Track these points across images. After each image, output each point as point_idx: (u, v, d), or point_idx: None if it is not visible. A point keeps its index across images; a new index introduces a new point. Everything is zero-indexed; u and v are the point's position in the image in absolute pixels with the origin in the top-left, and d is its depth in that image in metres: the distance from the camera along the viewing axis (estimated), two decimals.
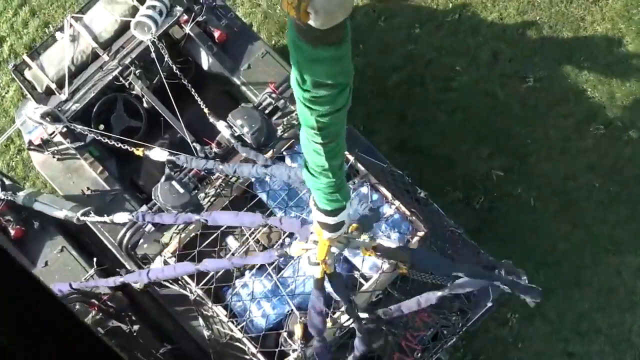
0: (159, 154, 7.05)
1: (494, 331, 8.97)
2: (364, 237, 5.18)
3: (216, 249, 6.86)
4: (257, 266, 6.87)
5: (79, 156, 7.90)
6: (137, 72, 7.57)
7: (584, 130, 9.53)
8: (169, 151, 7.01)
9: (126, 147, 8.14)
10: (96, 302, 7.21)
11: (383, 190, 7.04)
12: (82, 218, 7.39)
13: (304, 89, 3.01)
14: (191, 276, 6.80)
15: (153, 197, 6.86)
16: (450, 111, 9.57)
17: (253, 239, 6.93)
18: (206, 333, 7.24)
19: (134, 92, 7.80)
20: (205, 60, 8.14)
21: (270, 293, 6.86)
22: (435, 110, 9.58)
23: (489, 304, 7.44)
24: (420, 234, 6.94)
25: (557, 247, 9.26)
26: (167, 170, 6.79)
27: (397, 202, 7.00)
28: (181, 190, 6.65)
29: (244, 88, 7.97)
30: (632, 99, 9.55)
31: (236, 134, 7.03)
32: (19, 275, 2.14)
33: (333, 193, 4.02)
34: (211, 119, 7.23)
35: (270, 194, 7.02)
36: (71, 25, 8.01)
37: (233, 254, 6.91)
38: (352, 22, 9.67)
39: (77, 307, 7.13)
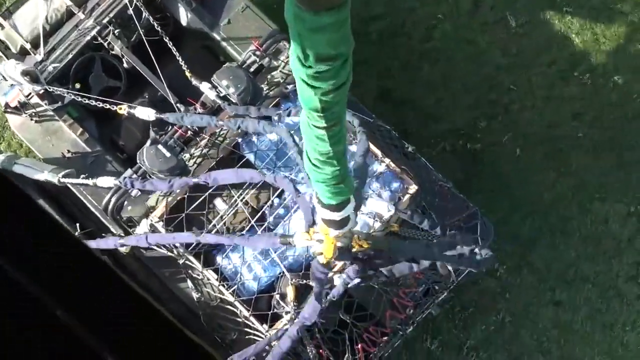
0: (145, 112, 6.87)
1: (481, 283, 8.96)
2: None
3: (204, 212, 6.74)
4: (246, 229, 6.76)
5: (57, 118, 7.70)
6: (116, 31, 7.33)
7: (568, 77, 9.43)
8: (155, 111, 6.85)
9: (106, 106, 7.99)
10: None
11: (373, 147, 6.92)
12: (63, 180, 7.23)
13: (306, 65, 2.95)
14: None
15: (138, 161, 6.70)
16: (433, 61, 9.41)
17: (242, 200, 6.81)
18: (195, 295, 7.16)
19: (112, 52, 7.56)
20: (184, 16, 7.91)
21: (261, 255, 6.76)
22: (418, 61, 9.42)
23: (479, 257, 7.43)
24: (412, 191, 6.85)
25: (544, 196, 9.22)
26: (152, 134, 6.61)
27: (387, 160, 6.90)
28: (167, 154, 6.49)
29: (224, 44, 7.78)
30: (617, 44, 9.44)
31: (221, 95, 6.85)
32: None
33: (338, 184, 3.96)
34: (194, 82, 7.05)
35: (258, 154, 6.88)
36: None
37: (221, 217, 6.79)
38: None
39: None
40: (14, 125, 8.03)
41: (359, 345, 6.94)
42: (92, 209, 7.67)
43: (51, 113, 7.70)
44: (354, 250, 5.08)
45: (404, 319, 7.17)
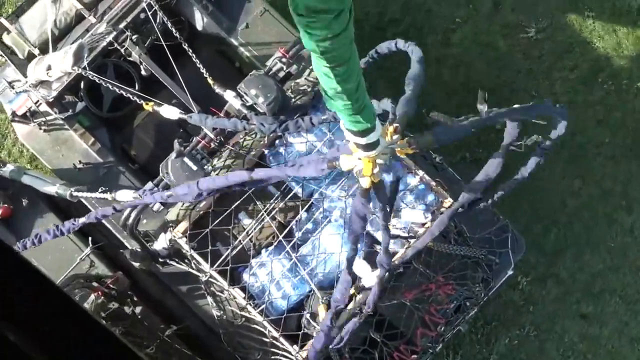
0: (170, 111, 6.53)
1: (505, 295, 8.68)
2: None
3: (230, 227, 6.41)
4: (274, 245, 6.44)
5: (67, 127, 7.35)
6: (134, 37, 6.97)
7: (590, 82, 9.16)
8: (180, 111, 6.51)
9: (118, 114, 7.66)
10: (99, 286, 6.72)
11: (406, 159, 6.63)
12: (76, 194, 6.90)
13: (297, 12, 2.88)
14: (204, 257, 6.34)
15: (161, 174, 6.34)
16: (452, 66, 9.13)
17: (269, 214, 6.49)
18: (216, 313, 6.84)
19: (129, 58, 7.20)
20: (200, 20, 7.58)
21: (289, 272, 6.44)
22: (437, 66, 9.13)
23: (510, 272, 7.20)
24: (447, 204, 6.55)
25: (567, 204, 8.95)
26: (177, 146, 6.26)
27: (421, 172, 6.60)
28: (194, 167, 6.14)
29: (242, 49, 7.46)
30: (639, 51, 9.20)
31: (248, 104, 6.50)
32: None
33: (353, 114, 3.82)
34: (217, 90, 6.71)
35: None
36: None
37: (247, 232, 6.46)
38: None
39: (79, 292, 6.63)
40: (21, 135, 7.68)
41: None
42: (106, 223, 7.35)
43: (60, 122, 7.36)
44: (401, 155, 4.94)
45: (434, 336, 6.90)
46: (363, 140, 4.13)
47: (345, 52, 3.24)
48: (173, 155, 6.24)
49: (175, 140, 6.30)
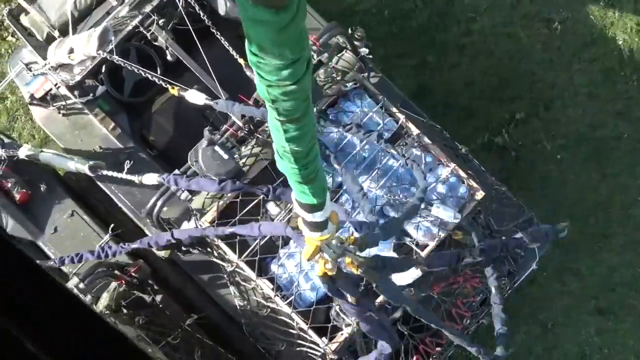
0: (196, 96, 6.38)
1: (522, 289, 8.61)
2: (364, 253, 4.64)
3: (258, 217, 6.28)
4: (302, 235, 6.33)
5: (87, 111, 7.19)
6: (160, 21, 6.81)
7: (611, 75, 9.08)
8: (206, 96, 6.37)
9: (140, 99, 7.52)
10: (121, 275, 6.61)
11: (437, 151, 6.52)
12: (103, 172, 6.75)
13: (250, 50, 2.65)
14: (232, 247, 6.22)
15: (189, 161, 6.21)
16: (472, 56, 9.03)
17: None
18: (239, 303, 6.73)
19: (155, 42, 7.04)
20: (222, 5, 7.43)
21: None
22: (457, 55, 9.04)
23: (535, 266, 7.13)
24: (478, 197, 6.46)
25: (586, 198, 8.88)
26: (207, 134, 6.13)
27: (452, 164, 6.50)
28: (225, 156, 6.00)
29: None
30: None
31: None
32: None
33: (300, 183, 3.56)
34: (248, 73, 6.57)
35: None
36: None
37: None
38: None
39: (101, 281, 6.52)
40: (39, 118, 7.55)
41: (414, 358, 6.59)
42: (125, 209, 7.22)
43: (80, 106, 7.20)
44: (344, 267, 4.66)
45: (460, 329, 6.82)
46: (309, 217, 3.92)
47: (298, 108, 3.01)
48: (203, 143, 6.10)
49: (206, 129, 6.17)
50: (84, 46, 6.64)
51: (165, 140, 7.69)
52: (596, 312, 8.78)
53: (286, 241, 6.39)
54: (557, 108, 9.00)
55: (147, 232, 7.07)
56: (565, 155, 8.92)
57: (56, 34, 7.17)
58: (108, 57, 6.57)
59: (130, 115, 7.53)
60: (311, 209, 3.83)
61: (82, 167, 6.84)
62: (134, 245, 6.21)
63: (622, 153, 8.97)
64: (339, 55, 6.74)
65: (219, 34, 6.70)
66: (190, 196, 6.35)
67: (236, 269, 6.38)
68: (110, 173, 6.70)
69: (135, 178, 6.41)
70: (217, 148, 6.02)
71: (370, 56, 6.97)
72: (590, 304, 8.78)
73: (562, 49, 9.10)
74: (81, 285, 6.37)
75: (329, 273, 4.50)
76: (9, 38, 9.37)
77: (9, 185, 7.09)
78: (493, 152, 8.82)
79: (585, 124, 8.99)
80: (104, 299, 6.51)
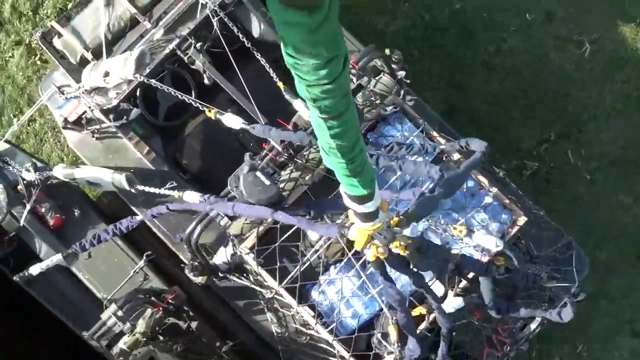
0: (233, 120, 6.31)
1: None
2: (407, 231, 4.70)
3: (298, 243, 6.21)
4: (343, 262, 6.25)
5: (121, 135, 7.14)
6: (197, 45, 6.75)
7: None
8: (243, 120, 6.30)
9: (175, 123, 7.49)
10: (160, 302, 6.54)
11: (478, 176, 6.46)
12: (140, 188, 6.69)
13: (286, 52, 2.65)
14: (272, 273, 6.15)
15: (230, 187, 6.12)
16: (502, 75, 8.98)
17: None
18: (276, 330, 6.66)
19: (192, 66, 6.98)
20: (257, 27, 7.39)
21: (360, 290, 6.25)
22: (487, 75, 8.99)
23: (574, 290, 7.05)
24: (521, 222, 6.39)
25: (617, 219, 8.81)
26: (247, 159, 6.05)
27: (494, 189, 6.43)
28: (267, 182, 5.90)
29: None
30: None
31: None
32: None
33: (349, 177, 3.60)
34: (287, 96, 6.51)
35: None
36: None
37: (317, 247, 6.26)
38: None
39: (140, 308, 6.44)
40: (72, 142, 7.50)
41: (485, 350, 6.56)
42: (159, 234, 7.17)
43: (113, 130, 7.15)
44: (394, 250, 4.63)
45: (500, 356, 6.74)
46: (360, 208, 3.95)
47: (338, 104, 3.04)
48: (244, 169, 6.02)
49: (247, 154, 6.10)
50: (121, 69, 6.59)
51: (198, 164, 7.64)
52: (630, 335, 8.69)
53: (326, 267, 6.33)
54: (589, 129, 8.94)
55: (181, 257, 7.00)
56: (596, 177, 8.85)
57: (90, 56, 7.12)
58: (145, 80, 6.51)
59: (164, 138, 7.48)
60: (361, 200, 3.86)
61: (120, 177, 6.80)
62: (140, 217, 6.09)
63: None
64: (376, 78, 6.66)
65: (259, 55, 6.64)
66: (229, 222, 6.27)
67: (275, 296, 6.31)
68: (147, 188, 6.65)
69: (175, 193, 6.34)
70: (258, 174, 5.93)
71: (407, 80, 6.91)
72: (625, 328, 8.69)
73: (594, 70, 9.05)
74: (119, 313, 6.29)
75: (381, 257, 4.54)
76: (37, 62, 9.36)
77: (43, 210, 7.03)
78: (524, 174, 8.75)
79: (618, 145, 8.92)
80: (140, 326, 6.43)
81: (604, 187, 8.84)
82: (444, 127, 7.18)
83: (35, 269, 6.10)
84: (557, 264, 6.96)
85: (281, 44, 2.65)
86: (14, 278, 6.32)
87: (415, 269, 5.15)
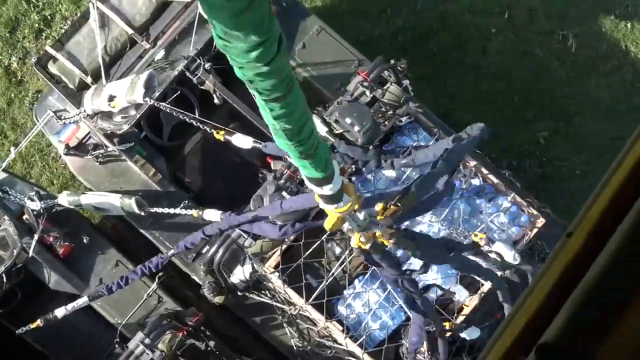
0: (243, 140, 6.28)
1: None
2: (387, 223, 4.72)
3: (322, 258, 6.23)
4: (368, 274, 6.27)
5: (124, 158, 7.05)
6: (206, 65, 6.67)
7: (629, 86, 9.16)
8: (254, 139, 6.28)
9: (178, 143, 7.43)
10: (183, 326, 6.49)
11: (495, 180, 6.52)
12: (153, 210, 6.64)
13: (216, 33, 2.71)
14: (299, 292, 6.14)
15: (252, 207, 6.10)
16: (491, 76, 9.06)
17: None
18: (296, 344, 6.66)
19: (201, 87, 6.91)
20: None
21: (386, 301, 6.28)
22: (476, 76, 9.05)
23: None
24: (539, 224, 6.46)
25: None
26: (270, 178, 6.03)
27: (512, 193, 6.49)
28: None
29: (299, 70, 7.22)
30: None
31: (337, 131, 6.27)
32: None
33: (300, 159, 3.64)
34: None
35: (377, 194, 6.34)
36: (97, 8, 7.05)
37: (341, 261, 6.25)
38: None
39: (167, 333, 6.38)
40: (74, 168, 7.38)
41: None
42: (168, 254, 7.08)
43: (116, 153, 7.05)
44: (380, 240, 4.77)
45: None
46: (319, 190, 3.99)
47: (276, 87, 3.03)
48: (270, 189, 6.00)
49: (270, 175, 6.08)
50: (129, 93, 6.51)
51: (201, 182, 7.59)
52: None
53: (350, 281, 6.34)
54: (577, 123, 9.06)
55: (195, 277, 6.95)
56: (589, 168, 8.98)
57: (89, 80, 7.00)
58: (155, 104, 6.44)
59: (166, 157, 7.41)
60: (319, 182, 3.88)
61: (129, 201, 6.72)
62: (173, 252, 6.03)
63: None
64: (384, 88, 6.66)
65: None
66: (253, 242, 6.25)
67: (301, 312, 6.31)
68: (161, 210, 6.60)
69: (194, 212, 6.30)
70: (284, 194, 5.92)
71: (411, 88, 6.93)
72: None
73: (579, 64, 9.17)
74: (147, 341, 6.23)
75: (363, 247, 4.65)
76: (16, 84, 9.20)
77: (51, 239, 6.91)
78: (520, 171, 8.84)
79: (606, 136, 9.05)
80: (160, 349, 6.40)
81: (596, 179, 8.94)
82: (448, 131, 7.22)
83: (60, 312, 6.01)
84: None
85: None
86: (18, 332, 6.24)
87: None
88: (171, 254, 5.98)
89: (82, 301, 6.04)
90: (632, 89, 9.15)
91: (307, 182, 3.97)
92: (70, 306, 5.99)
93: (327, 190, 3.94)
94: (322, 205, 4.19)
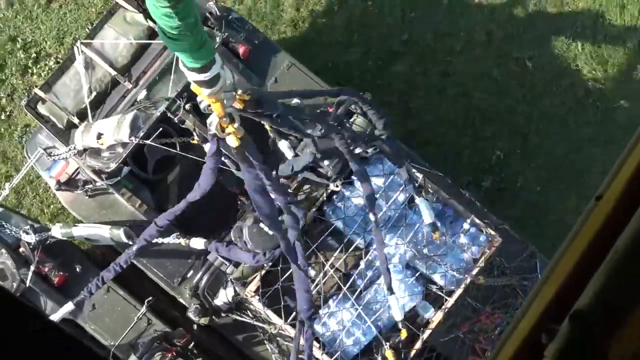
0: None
1: None
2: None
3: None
4: (341, 294, 6.81)
5: (112, 191, 7.54)
6: (187, 105, 7.18)
7: (580, 103, 9.72)
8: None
9: (163, 175, 7.90)
10: (172, 347, 7.01)
11: (455, 204, 7.08)
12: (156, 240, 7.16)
13: None
14: (277, 313, 6.69)
15: (233, 238, 6.65)
16: (452, 97, 9.62)
17: (331, 266, 6.86)
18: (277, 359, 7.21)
19: (182, 125, 7.41)
20: (230, 78, 7.82)
21: (358, 319, 6.83)
22: (439, 97, 9.60)
23: None
24: (497, 243, 7.03)
25: (567, 222, 9.49)
26: (251, 211, 6.59)
27: (471, 215, 7.06)
28: (270, 232, 6.45)
29: None
30: (621, 70, 9.78)
31: (310, 165, 6.84)
32: None
33: (199, 49, 4.36)
34: (272, 135, 7.05)
35: (346, 220, 6.90)
36: (82, 52, 7.56)
37: (315, 283, 6.80)
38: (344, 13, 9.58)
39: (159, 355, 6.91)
40: (66, 202, 7.86)
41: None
42: (158, 281, 7.56)
43: (104, 187, 7.54)
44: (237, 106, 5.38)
45: None
46: (207, 76, 4.61)
47: None
48: (248, 220, 6.54)
49: (250, 207, 6.61)
50: (115, 132, 7.01)
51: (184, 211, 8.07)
52: None
53: (325, 301, 6.88)
54: (534, 140, 9.62)
55: (181, 300, 7.45)
56: (545, 182, 9.55)
57: (76, 120, 7.48)
58: (141, 142, 6.95)
59: (150, 189, 7.89)
60: (208, 67, 4.57)
61: (118, 232, 7.23)
62: (136, 247, 6.65)
63: (596, 174, 9.60)
64: (350, 120, 7.17)
65: None
66: (235, 269, 6.79)
67: (280, 331, 6.85)
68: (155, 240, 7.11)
69: (182, 241, 6.84)
70: (262, 225, 6.45)
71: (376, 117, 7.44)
72: None
73: (535, 84, 9.73)
74: None
75: (239, 134, 5.25)
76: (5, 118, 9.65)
77: (47, 269, 7.40)
78: (478, 187, 9.39)
79: (561, 151, 9.63)
80: None
81: (552, 191, 9.54)
82: (412, 156, 7.75)
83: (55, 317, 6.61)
84: (524, 272, 7.63)
85: None
86: None
87: None
88: (135, 248, 6.57)
89: (68, 307, 6.62)
90: (581, 105, 9.71)
91: (191, 76, 4.63)
92: (58, 313, 6.57)
93: (214, 70, 4.61)
94: (205, 92, 4.80)
